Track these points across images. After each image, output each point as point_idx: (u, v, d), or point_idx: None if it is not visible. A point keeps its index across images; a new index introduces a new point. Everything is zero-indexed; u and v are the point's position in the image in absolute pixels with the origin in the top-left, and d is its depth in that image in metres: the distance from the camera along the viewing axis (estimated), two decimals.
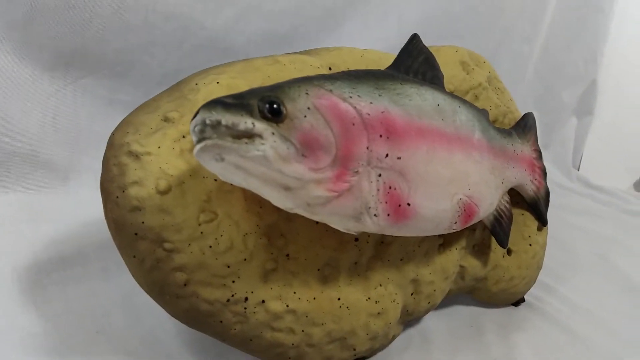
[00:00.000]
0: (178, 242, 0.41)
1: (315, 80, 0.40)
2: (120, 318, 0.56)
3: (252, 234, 0.44)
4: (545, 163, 0.64)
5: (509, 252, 0.62)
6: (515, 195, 0.60)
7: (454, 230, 0.49)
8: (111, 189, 0.41)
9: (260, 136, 0.34)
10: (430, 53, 0.49)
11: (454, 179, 0.46)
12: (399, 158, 0.41)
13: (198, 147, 0.34)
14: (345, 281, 0.49)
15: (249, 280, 0.44)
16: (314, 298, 0.47)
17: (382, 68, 0.47)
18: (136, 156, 0.41)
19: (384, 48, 0.59)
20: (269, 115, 0.35)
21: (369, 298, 0.50)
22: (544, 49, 1.20)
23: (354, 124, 0.38)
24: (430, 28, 0.96)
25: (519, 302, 0.65)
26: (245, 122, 0.34)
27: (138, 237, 0.41)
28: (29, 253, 0.62)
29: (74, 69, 0.69)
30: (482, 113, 0.53)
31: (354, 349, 0.50)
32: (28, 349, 0.50)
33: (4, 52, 0.64)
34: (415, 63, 0.48)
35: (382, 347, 0.53)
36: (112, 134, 0.44)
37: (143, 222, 0.41)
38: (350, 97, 0.40)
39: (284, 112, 0.35)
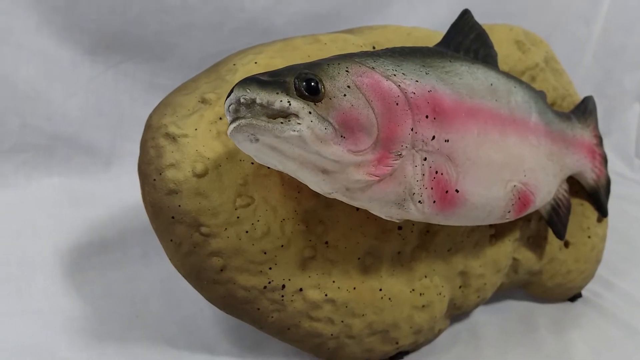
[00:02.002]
0: (214, 227, 0.40)
1: (356, 57, 0.37)
2: (159, 303, 0.56)
3: (289, 220, 0.42)
4: (605, 151, 0.60)
5: (566, 244, 0.58)
6: (573, 184, 0.57)
7: (507, 220, 0.46)
8: (148, 171, 0.41)
9: (296, 115, 0.32)
10: (483, 30, 0.47)
11: (507, 165, 0.43)
12: (446, 141, 0.38)
13: (232, 127, 0.33)
14: (387, 271, 0.47)
15: (286, 267, 0.43)
16: (354, 288, 0.45)
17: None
18: (173, 138, 0.41)
19: (431, 28, 0.57)
20: (306, 94, 0.33)
21: (413, 290, 0.47)
22: (604, 31, 1.13)
23: (397, 104, 0.36)
24: (479, 7, 0.90)
25: (575, 297, 0.62)
26: (281, 101, 0.32)
27: (175, 220, 0.40)
28: (70, 237, 0.63)
29: (114, 52, 0.70)
30: (540, 95, 0.50)
31: (397, 342, 0.48)
32: (68, 332, 0.51)
33: (46, 35, 0.65)
34: (466, 40, 0.45)
35: (427, 341, 0.51)
36: (150, 115, 0.43)
37: (180, 206, 0.40)
38: (394, 75, 0.37)
39: (322, 90, 0.33)
